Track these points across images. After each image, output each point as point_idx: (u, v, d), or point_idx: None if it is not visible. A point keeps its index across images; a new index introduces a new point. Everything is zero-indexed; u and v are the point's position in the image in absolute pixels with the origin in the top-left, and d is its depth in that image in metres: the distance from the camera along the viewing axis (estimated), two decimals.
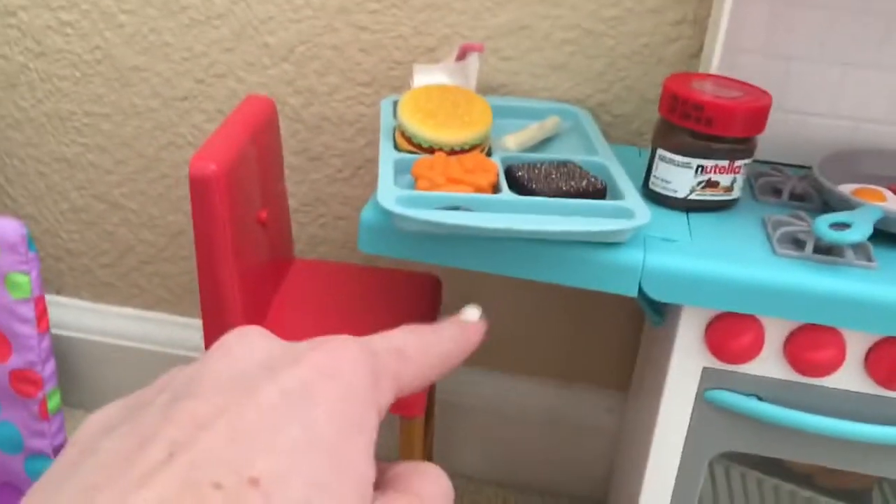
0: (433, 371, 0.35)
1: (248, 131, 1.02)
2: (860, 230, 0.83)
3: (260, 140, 1.05)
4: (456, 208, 0.84)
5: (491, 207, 0.85)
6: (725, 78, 0.99)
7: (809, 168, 1.05)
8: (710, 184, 0.94)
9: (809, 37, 1.05)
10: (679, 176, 0.94)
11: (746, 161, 0.94)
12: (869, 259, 0.86)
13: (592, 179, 0.92)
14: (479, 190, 0.87)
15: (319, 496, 0.29)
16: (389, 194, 0.84)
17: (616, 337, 1.35)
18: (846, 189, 0.98)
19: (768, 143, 1.11)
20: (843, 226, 0.84)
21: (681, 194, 0.95)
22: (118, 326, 1.51)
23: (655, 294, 0.85)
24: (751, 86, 0.96)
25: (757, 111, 0.91)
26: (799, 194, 1.01)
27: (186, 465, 0.28)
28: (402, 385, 0.34)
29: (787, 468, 1.23)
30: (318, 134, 1.29)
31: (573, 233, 0.82)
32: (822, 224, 0.83)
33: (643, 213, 0.85)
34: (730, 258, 0.86)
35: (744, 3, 1.04)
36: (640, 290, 0.85)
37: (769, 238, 0.90)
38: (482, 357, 1.42)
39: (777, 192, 1.02)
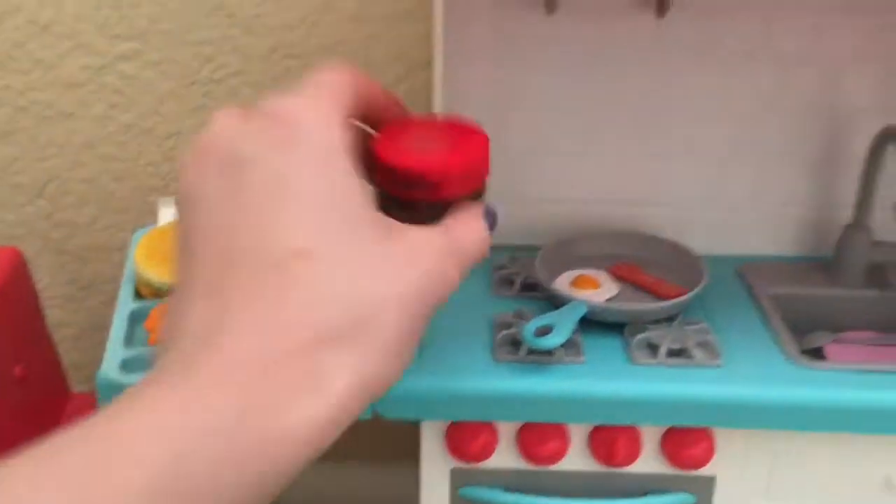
0: (369, 85, 0.42)
1: None
2: (561, 333, 0.91)
3: (8, 294, 1.06)
4: None
5: None
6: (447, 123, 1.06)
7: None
8: None
9: (528, 131, 1.14)
10: None
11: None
12: (578, 354, 0.94)
13: None
14: None
15: (343, 239, 0.33)
16: (114, 359, 0.86)
17: None
18: (568, 276, 1.06)
19: (505, 228, 1.18)
20: (548, 328, 0.92)
21: None
22: None
23: (389, 414, 0.91)
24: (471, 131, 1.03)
25: (484, 159, 0.94)
26: (531, 284, 1.08)
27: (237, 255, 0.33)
28: (345, 99, 0.39)
29: None
30: (86, 263, 1.30)
31: None
32: (528, 332, 0.91)
33: None
34: (455, 371, 0.92)
35: (469, 103, 1.11)
36: (375, 412, 0.91)
37: (493, 342, 0.97)
38: None
39: (511, 283, 1.10)
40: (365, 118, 0.44)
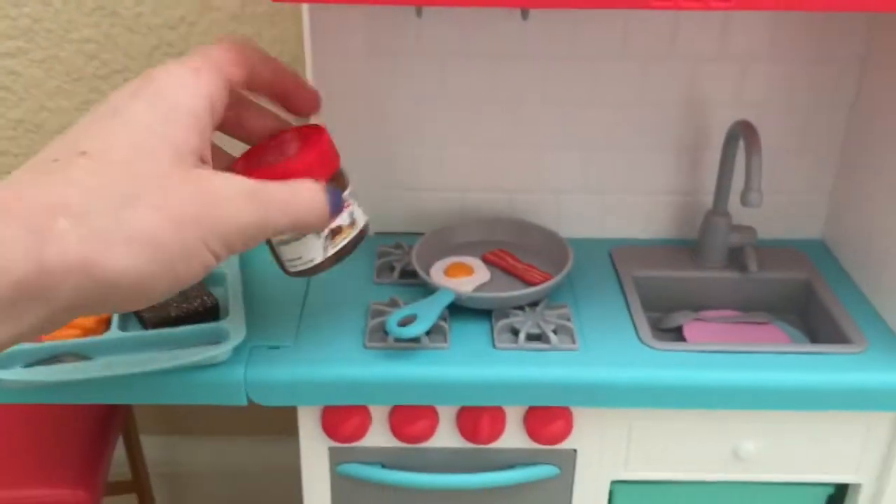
0: (253, 58, 0.59)
1: None
2: (424, 322, 0.96)
3: None
4: (57, 356, 0.92)
5: (92, 351, 0.93)
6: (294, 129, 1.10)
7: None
8: (335, 231, 0.97)
9: (409, 125, 1.18)
10: (306, 247, 0.98)
11: (349, 191, 0.97)
12: (444, 340, 1.00)
13: (206, 298, 1.01)
14: (87, 332, 0.95)
15: (139, 155, 0.46)
16: None
17: None
18: (444, 264, 1.12)
19: (392, 217, 1.24)
20: (413, 317, 0.97)
21: (319, 258, 0.97)
22: None
23: (263, 401, 0.96)
24: (315, 127, 1.05)
25: (323, 153, 0.93)
26: (410, 271, 1.14)
27: (39, 155, 0.46)
28: (226, 69, 0.55)
29: None
30: None
31: (170, 367, 0.91)
32: (392, 322, 0.96)
33: (239, 331, 0.95)
34: (327, 359, 0.97)
35: (346, 99, 1.15)
36: (249, 399, 0.96)
37: (365, 330, 1.02)
38: (195, 426, 1.50)
39: (392, 270, 1.15)
40: (259, 86, 0.62)
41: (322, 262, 0.88)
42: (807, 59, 1.14)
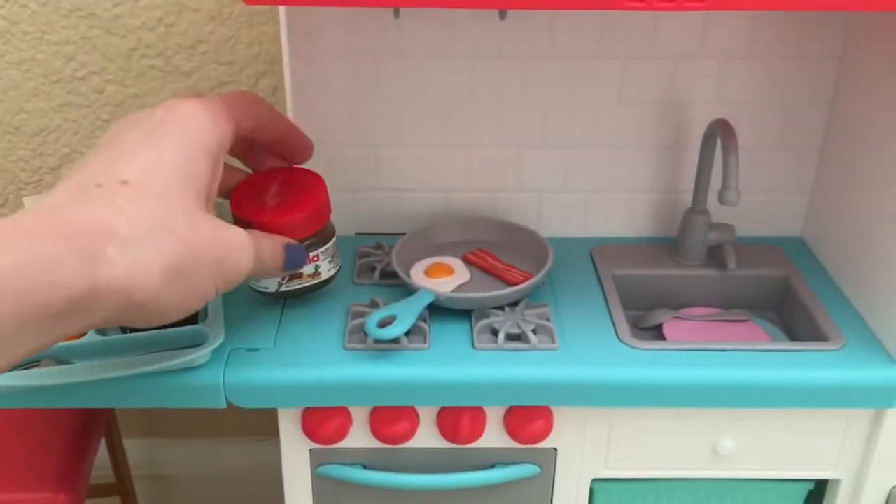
0: (262, 112, 0.71)
1: None
2: (403, 323, 0.96)
3: None
4: (36, 362, 0.91)
5: (73, 355, 0.93)
6: (295, 171, 1.10)
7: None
8: (294, 275, 1.02)
9: (389, 126, 1.18)
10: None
11: (323, 248, 1.02)
12: (423, 341, 1.00)
13: None
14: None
15: (171, 189, 0.53)
16: None
17: None
18: (424, 264, 1.12)
19: (373, 217, 1.24)
20: (392, 318, 0.98)
21: (272, 289, 1.03)
22: None
23: (242, 404, 0.96)
24: (315, 178, 1.05)
25: (309, 215, 0.98)
26: (391, 271, 1.14)
27: (79, 177, 0.51)
28: (238, 117, 0.64)
29: None
30: None
31: (150, 371, 0.91)
32: (371, 323, 0.96)
33: (218, 334, 0.95)
34: (305, 361, 0.97)
35: (330, 104, 1.15)
36: (228, 402, 0.96)
37: (345, 331, 1.02)
38: (175, 431, 1.50)
39: (373, 270, 1.15)
40: (263, 137, 0.73)
41: (273, 293, 1.02)
42: (786, 57, 1.15)
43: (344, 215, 1.19)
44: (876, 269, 1.04)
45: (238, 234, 0.61)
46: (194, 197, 0.56)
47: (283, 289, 1.02)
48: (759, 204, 1.24)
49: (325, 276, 1.02)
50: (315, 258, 1.00)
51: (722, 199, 1.03)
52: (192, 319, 1.00)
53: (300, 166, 0.95)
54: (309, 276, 1.02)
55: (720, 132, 1.06)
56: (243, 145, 0.77)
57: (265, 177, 0.91)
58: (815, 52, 1.14)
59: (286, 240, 0.74)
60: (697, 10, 0.78)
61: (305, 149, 0.84)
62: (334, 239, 1.02)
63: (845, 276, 1.13)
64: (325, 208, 0.96)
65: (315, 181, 0.94)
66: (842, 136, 1.15)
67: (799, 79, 1.16)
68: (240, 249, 0.61)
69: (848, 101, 1.13)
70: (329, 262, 1.02)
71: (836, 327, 1.04)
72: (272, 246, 0.70)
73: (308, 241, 0.98)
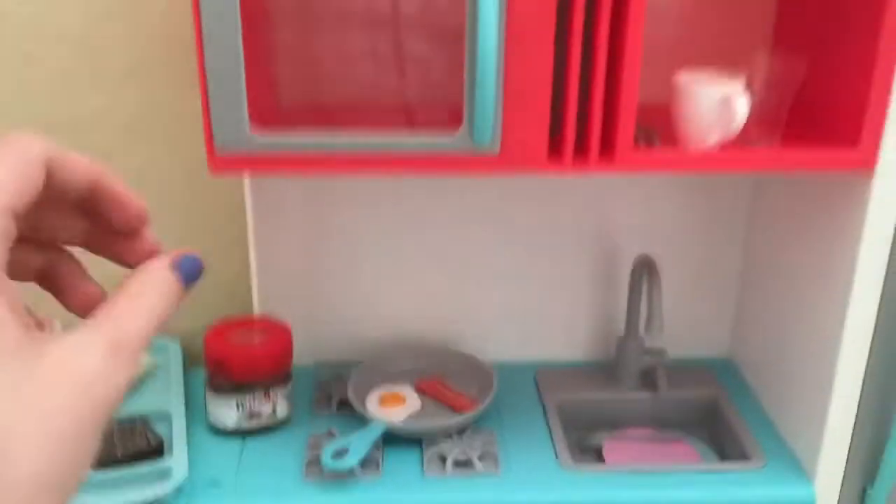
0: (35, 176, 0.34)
1: None
2: (356, 454, 1.03)
3: None
4: None
5: None
6: (261, 322, 1.18)
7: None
8: (253, 414, 1.12)
9: (338, 260, 1.27)
10: (226, 412, 1.12)
11: (283, 388, 1.12)
12: (376, 470, 1.07)
13: (150, 436, 1.07)
14: None
15: None
16: None
17: None
18: (378, 393, 1.19)
19: (333, 345, 1.31)
20: (346, 449, 1.05)
21: (231, 426, 1.12)
22: None
23: None
24: (279, 327, 1.16)
25: (276, 358, 1.11)
26: (348, 401, 1.21)
27: None
28: (6, 201, 0.33)
29: None
30: None
31: None
32: (326, 454, 1.03)
33: (181, 470, 1.01)
34: (263, 493, 1.03)
35: (286, 233, 1.24)
36: None
37: (303, 461, 1.09)
38: None
39: (330, 400, 1.22)
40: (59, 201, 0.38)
41: (232, 431, 1.13)
42: (703, 191, 1.26)
43: (304, 344, 1.27)
44: (792, 390, 1.13)
45: (84, 348, 0.33)
46: (14, 325, 0.31)
47: (243, 425, 1.12)
48: (688, 327, 1.33)
49: (280, 416, 1.14)
50: (274, 397, 1.11)
51: (647, 331, 1.13)
52: (159, 453, 1.07)
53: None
54: (268, 415, 1.13)
55: (645, 270, 1.16)
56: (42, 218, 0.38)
57: (238, 322, 1.00)
58: (727, 203, 1.26)
59: (171, 260, 0.38)
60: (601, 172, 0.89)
61: (134, 209, 0.40)
62: (291, 381, 1.13)
63: (767, 396, 1.22)
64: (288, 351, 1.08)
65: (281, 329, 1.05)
66: (757, 266, 1.25)
67: (715, 211, 1.27)
68: (99, 369, 0.33)
69: (760, 234, 1.24)
70: (286, 402, 1.13)
71: (758, 446, 1.13)
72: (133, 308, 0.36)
73: (270, 382, 1.10)
